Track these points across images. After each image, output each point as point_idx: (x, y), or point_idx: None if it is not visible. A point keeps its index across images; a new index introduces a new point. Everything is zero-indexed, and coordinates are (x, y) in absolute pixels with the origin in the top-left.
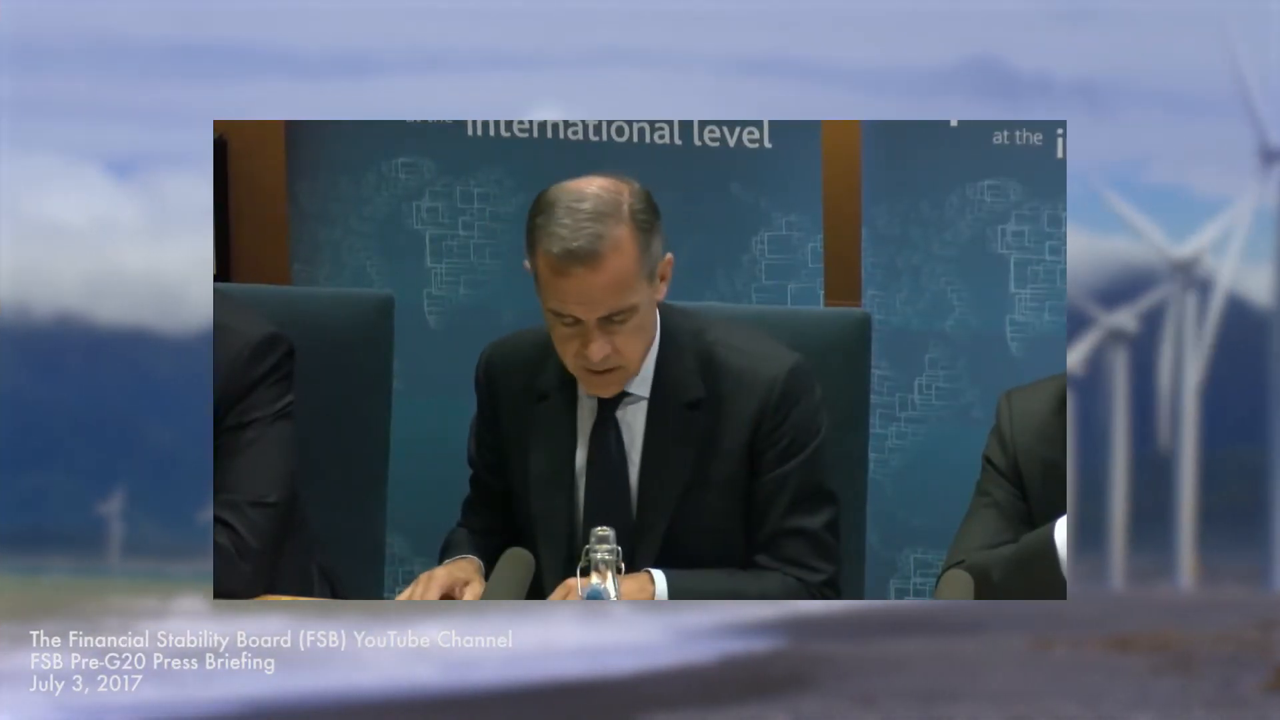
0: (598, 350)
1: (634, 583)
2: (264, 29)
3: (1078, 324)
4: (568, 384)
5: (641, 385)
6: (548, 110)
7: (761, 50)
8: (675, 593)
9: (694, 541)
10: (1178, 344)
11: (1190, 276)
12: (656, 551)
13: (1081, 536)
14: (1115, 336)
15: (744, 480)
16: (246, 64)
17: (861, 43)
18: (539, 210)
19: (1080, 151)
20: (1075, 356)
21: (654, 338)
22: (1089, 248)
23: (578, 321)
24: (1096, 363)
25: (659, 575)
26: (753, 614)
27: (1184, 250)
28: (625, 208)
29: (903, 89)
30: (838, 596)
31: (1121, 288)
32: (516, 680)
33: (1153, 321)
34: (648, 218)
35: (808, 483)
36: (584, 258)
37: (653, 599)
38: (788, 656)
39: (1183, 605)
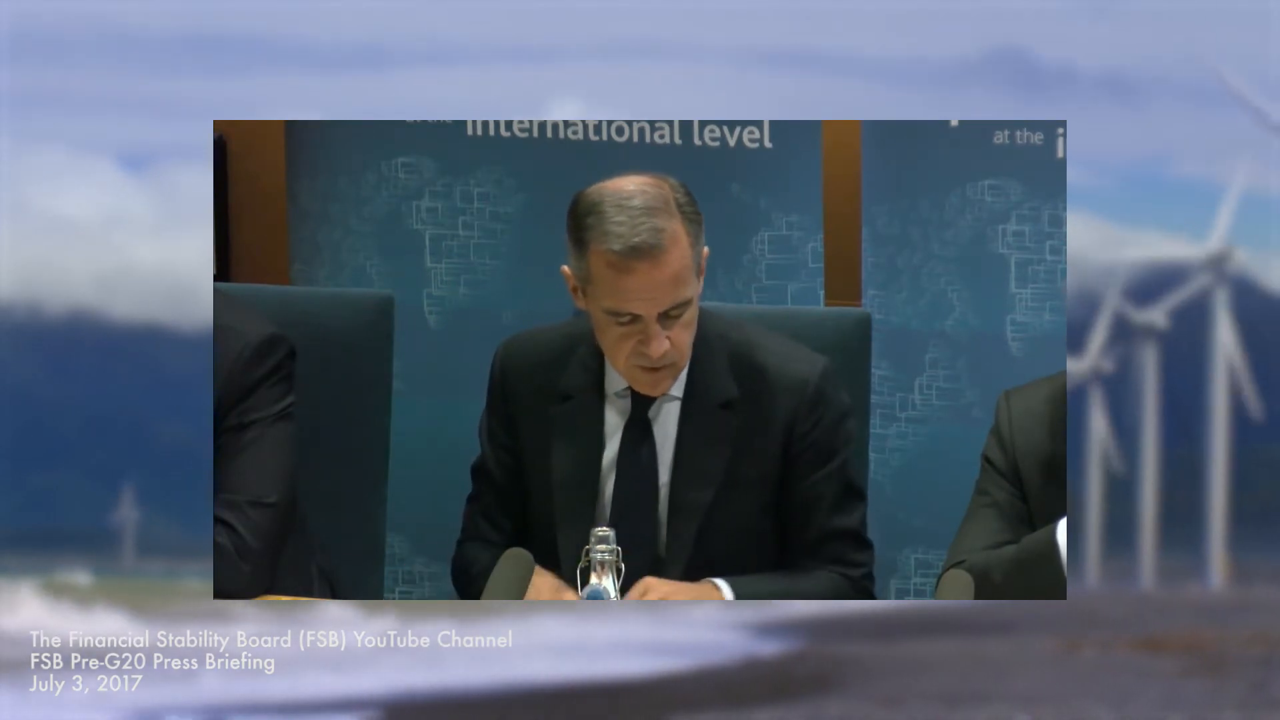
0: (658, 347)
1: (701, 593)
2: (277, 24)
3: (1108, 321)
4: (593, 384)
5: (676, 385)
6: (560, 108)
7: (779, 45)
8: (741, 599)
9: (723, 542)
10: (1209, 340)
11: (1221, 272)
12: (688, 553)
13: (1111, 536)
14: (1145, 333)
15: (775, 481)
16: (258, 59)
17: (885, 36)
18: (586, 211)
19: (1106, 145)
20: (1102, 355)
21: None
22: (1116, 243)
23: (635, 320)
24: (1126, 360)
25: (723, 584)
26: (775, 615)
27: (1214, 245)
28: (673, 202)
29: (925, 82)
30: (874, 586)
31: (1151, 284)
32: (534, 681)
33: (1183, 318)
34: (693, 211)
35: (844, 484)
36: (647, 253)
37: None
38: (811, 658)
39: (1214, 606)
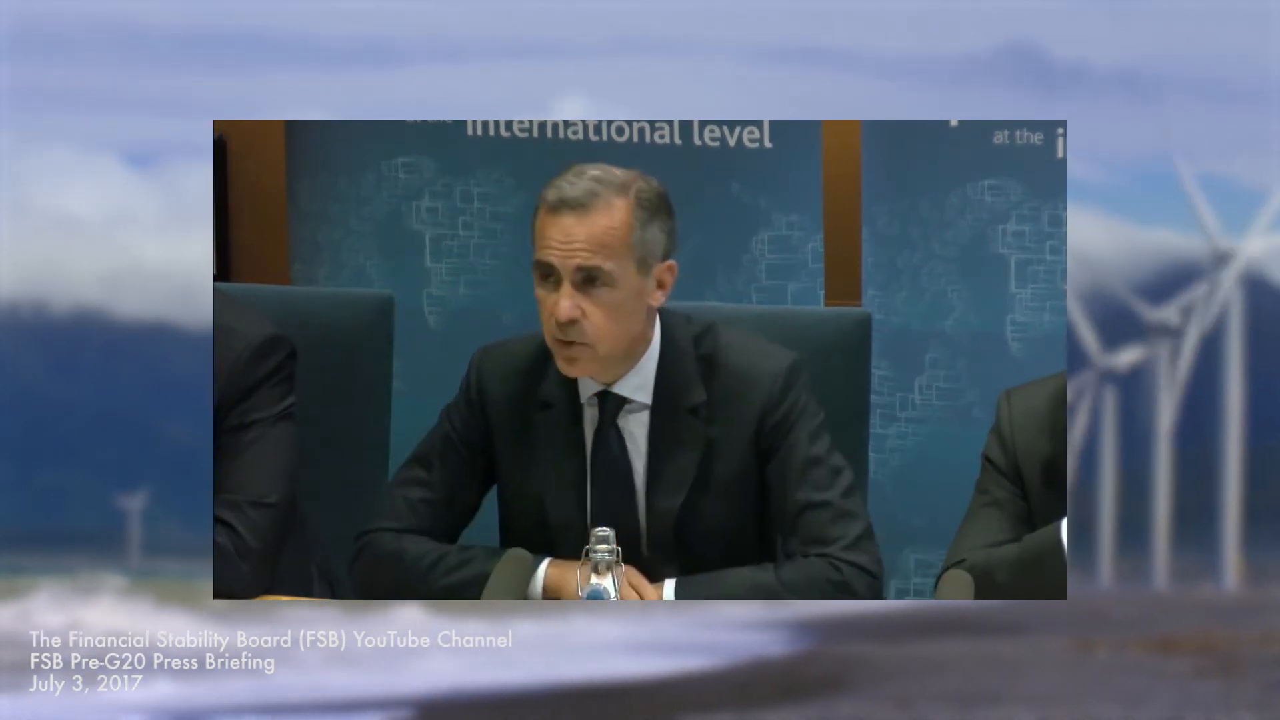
0: (565, 307)
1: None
2: (283, 21)
3: (1121, 319)
4: (571, 392)
5: (643, 392)
6: (567, 105)
7: (790, 43)
8: (683, 596)
9: (704, 544)
10: (1222, 338)
11: (1235, 269)
12: (670, 556)
13: (1124, 536)
14: (1159, 331)
15: (753, 480)
16: (264, 56)
17: (898, 32)
18: (553, 179)
19: (1121, 142)
20: (1118, 352)
21: (641, 337)
22: (1132, 240)
23: (553, 277)
24: (1139, 358)
25: (668, 585)
26: (787, 614)
27: (1228, 242)
28: (631, 187)
29: (937, 79)
30: (875, 551)
31: (1165, 281)
32: (545, 682)
33: (1197, 315)
34: (651, 202)
35: (813, 456)
36: (573, 205)
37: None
38: (822, 658)
39: (1227, 606)
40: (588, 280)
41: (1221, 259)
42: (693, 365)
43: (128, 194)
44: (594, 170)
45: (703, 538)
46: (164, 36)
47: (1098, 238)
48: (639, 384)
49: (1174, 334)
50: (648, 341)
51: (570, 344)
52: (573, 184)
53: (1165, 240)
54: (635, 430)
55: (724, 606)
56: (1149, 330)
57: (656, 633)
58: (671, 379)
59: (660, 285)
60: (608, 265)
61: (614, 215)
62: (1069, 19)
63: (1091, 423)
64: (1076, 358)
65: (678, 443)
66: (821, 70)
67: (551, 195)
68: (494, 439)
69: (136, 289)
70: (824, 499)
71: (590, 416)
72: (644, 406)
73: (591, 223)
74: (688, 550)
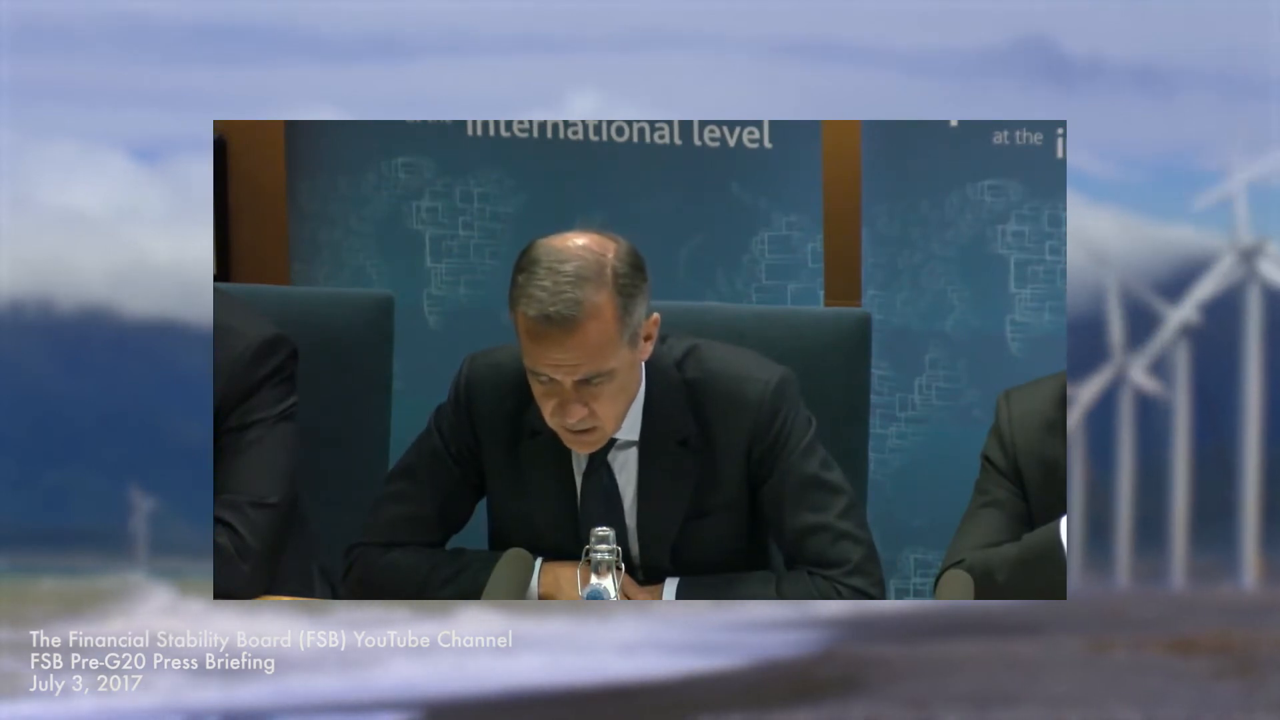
0: (573, 413)
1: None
2: (294, 15)
3: (1138, 316)
4: None
5: (630, 430)
6: (577, 102)
7: (803, 40)
8: (684, 597)
9: (700, 566)
10: (1241, 335)
11: (1254, 266)
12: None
13: (1141, 535)
14: (1176, 328)
15: (746, 502)
16: (270, 52)
17: (906, 25)
18: (521, 268)
19: (1134, 138)
20: (1135, 350)
21: (636, 393)
22: (1149, 238)
23: (553, 381)
24: (1156, 356)
25: (669, 585)
26: (799, 614)
27: (1247, 239)
28: (608, 271)
29: (951, 75)
30: (878, 572)
31: (1183, 279)
32: (551, 683)
33: (1215, 313)
34: (630, 281)
35: (808, 476)
36: (560, 323)
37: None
38: (836, 658)
39: (1246, 606)
40: (587, 380)
41: (1241, 255)
42: (680, 395)
43: (135, 190)
44: (567, 265)
45: (698, 560)
46: (169, 30)
47: (1114, 234)
48: (628, 423)
49: (1191, 331)
50: (637, 384)
51: (581, 432)
52: (553, 295)
53: (1183, 237)
54: (626, 465)
55: (736, 606)
56: (1166, 327)
57: (668, 633)
58: (659, 414)
59: (647, 339)
60: (608, 365)
61: (602, 320)
62: (1083, 12)
63: (1107, 421)
64: (1092, 355)
65: (669, 476)
66: (838, 66)
67: (533, 310)
68: (483, 454)
69: (143, 286)
70: (822, 522)
71: (579, 454)
72: (633, 443)
73: (582, 335)
74: (684, 574)
